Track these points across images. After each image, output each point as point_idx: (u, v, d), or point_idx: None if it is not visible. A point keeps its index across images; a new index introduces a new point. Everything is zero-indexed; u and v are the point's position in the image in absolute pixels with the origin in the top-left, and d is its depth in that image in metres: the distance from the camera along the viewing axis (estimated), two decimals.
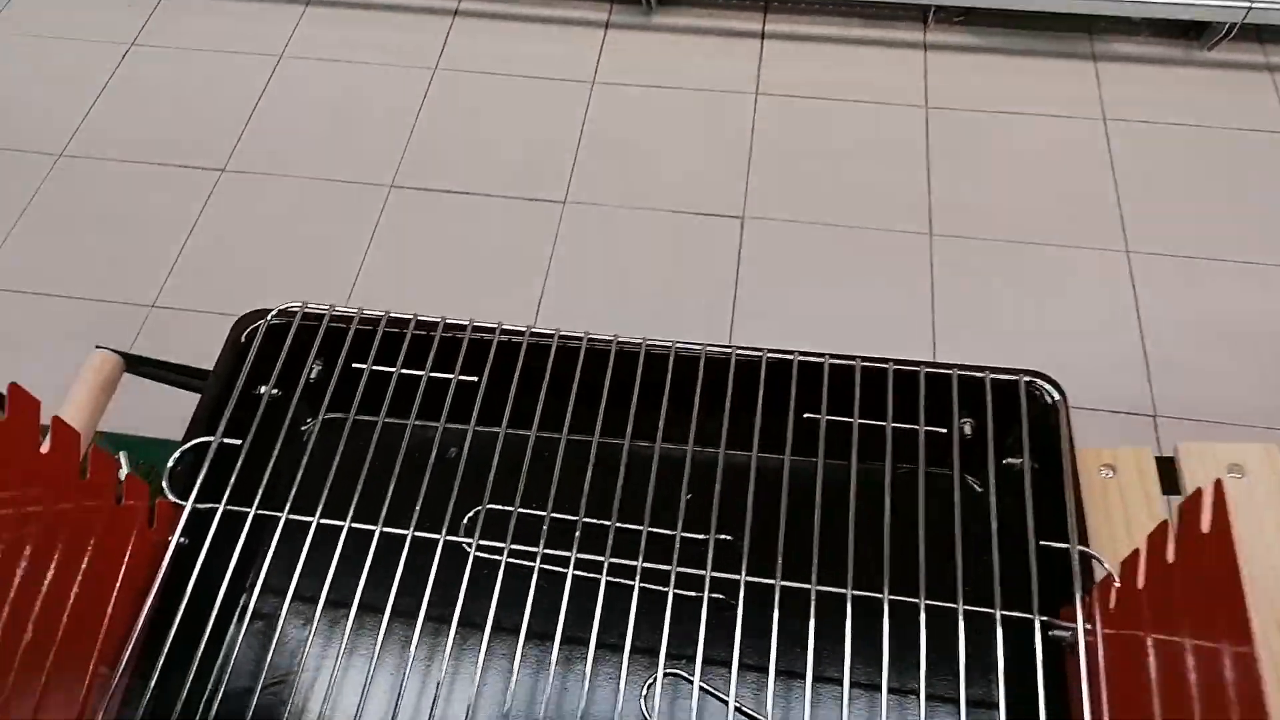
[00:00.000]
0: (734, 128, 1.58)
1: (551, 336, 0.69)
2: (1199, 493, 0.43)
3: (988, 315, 1.36)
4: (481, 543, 0.60)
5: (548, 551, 0.60)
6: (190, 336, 1.37)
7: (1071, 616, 0.56)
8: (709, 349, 0.68)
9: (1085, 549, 0.58)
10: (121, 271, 1.45)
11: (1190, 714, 0.44)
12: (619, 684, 0.59)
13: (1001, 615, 0.56)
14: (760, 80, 1.65)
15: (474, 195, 1.52)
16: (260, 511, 0.62)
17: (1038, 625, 0.55)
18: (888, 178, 1.51)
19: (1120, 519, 0.64)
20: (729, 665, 0.57)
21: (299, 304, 0.71)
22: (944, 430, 0.64)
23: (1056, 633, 0.56)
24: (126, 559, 0.58)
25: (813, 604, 0.57)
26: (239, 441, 0.64)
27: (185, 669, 0.56)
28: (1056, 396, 0.65)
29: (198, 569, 0.59)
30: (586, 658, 0.58)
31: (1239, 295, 1.36)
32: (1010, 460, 0.65)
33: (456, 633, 0.58)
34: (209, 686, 0.57)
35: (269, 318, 0.71)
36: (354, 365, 0.69)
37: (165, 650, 0.56)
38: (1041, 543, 0.58)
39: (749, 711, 0.60)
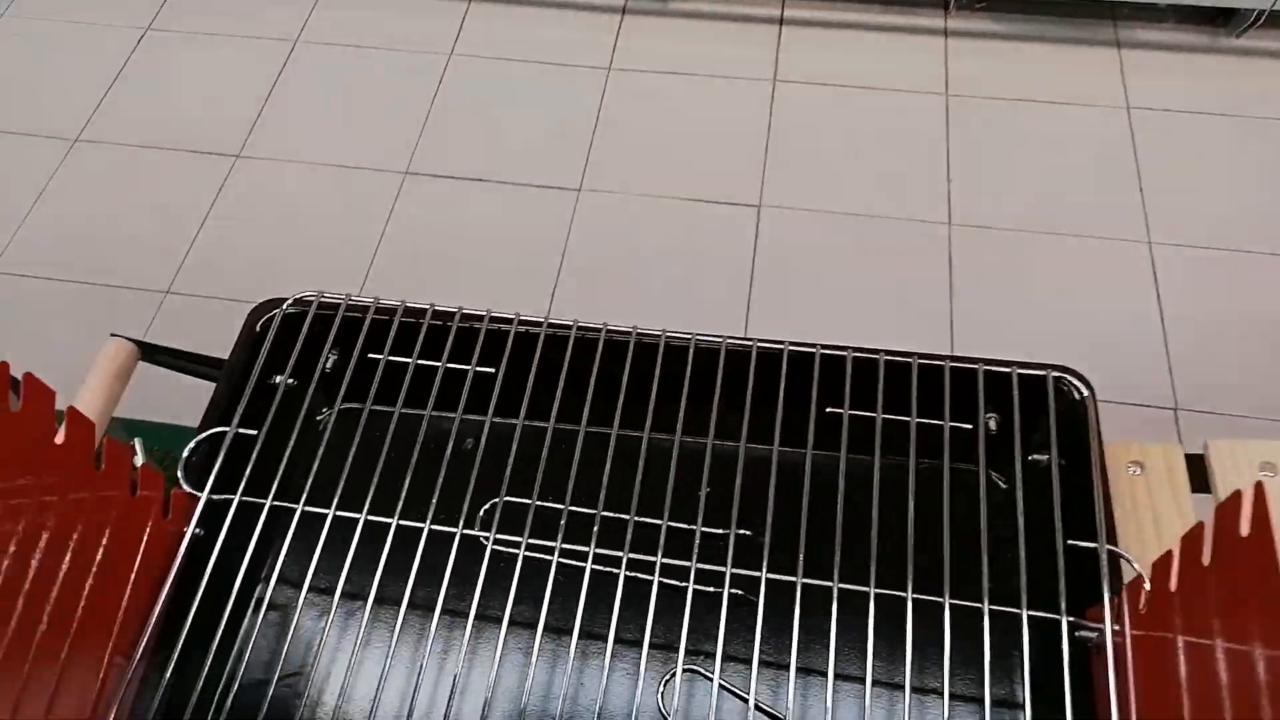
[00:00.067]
0: (751, 115, 1.57)
1: (570, 327, 0.68)
2: (1237, 495, 0.42)
3: (1006, 306, 1.34)
4: (499, 536, 0.60)
5: (565, 545, 0.59)
6: (205, 322, 1.37)
7: (1099, 617, 0.54)
8: (729, 341, 0.67)
9: (1114, 548, 0.57)
10: (136, 257, 1.45)
11: (1221, 717, 0.43)
12: (636, 679, 0.58)
13: (1028, 616, 0.55)
14: (778, 67, 1.63)
15: (488, 182, 1.51)
16: (276, 503, 0.61)
17: (1065, 626, 0.54)
18: (907, 166, 1.49)
19: (1149, 517, 0.63)
20: (748, 662, 0.56)
21: (314, 293, 0.71)
22: (969, 425, 0.63)
23: (1083, 633, 0.55)
24: (142, 549, 0.58)
25: (834, 601, 0.56)
26: (254, 432, 0.63)
27: (201, 660, 0.56)
28: (1085, 392, 0.64)
29: (213, 560, 0.58)
30: (604, 652, 0.57)
31: (1264, 288, 1.34)
32: (1036, 456, 0.64)
33: (473, 626, 0.57)
34: (224, 678, 0.56)
35: (284, 307, 0.70)
36: (370, 355, 0.68)
37: (181, 641, 0.56)
38: (1069, 542, 0.57)
39: (768, 708, 0.59)
